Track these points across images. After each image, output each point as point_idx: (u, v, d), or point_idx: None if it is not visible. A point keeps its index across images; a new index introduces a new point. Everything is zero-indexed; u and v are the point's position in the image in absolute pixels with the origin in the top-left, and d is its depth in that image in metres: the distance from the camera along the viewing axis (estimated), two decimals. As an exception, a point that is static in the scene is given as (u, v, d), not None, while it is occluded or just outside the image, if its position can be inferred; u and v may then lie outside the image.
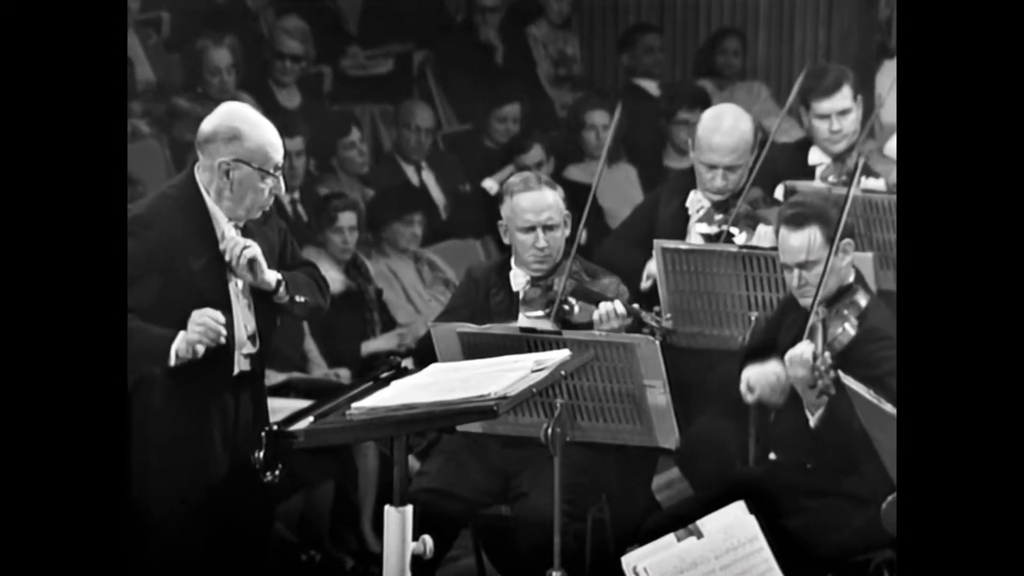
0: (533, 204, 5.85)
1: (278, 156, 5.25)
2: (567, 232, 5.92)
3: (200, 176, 5.25)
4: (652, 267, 6.21)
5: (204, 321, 5.08)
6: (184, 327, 5.11)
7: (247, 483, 4.90)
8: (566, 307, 5.79)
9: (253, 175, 5.21)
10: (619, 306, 5.71)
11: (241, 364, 5.30)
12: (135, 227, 5.13)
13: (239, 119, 5.24)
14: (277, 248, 5.42)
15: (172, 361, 5.09)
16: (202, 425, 5.23)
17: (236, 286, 5.25)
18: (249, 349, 5.32)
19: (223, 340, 5.11)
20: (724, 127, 6.34)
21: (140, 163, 8.00)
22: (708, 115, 6.44)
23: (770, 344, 5.67)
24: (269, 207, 5.33)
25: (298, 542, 6.78)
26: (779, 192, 6.45)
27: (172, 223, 5.18)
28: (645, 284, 6.27)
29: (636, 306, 5.78)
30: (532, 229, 5.85)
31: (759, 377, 5.55)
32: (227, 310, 5.19)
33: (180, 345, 5.09)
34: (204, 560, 5.24)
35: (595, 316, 5.73)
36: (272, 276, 5.26)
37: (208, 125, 5.24)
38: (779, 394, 5.52)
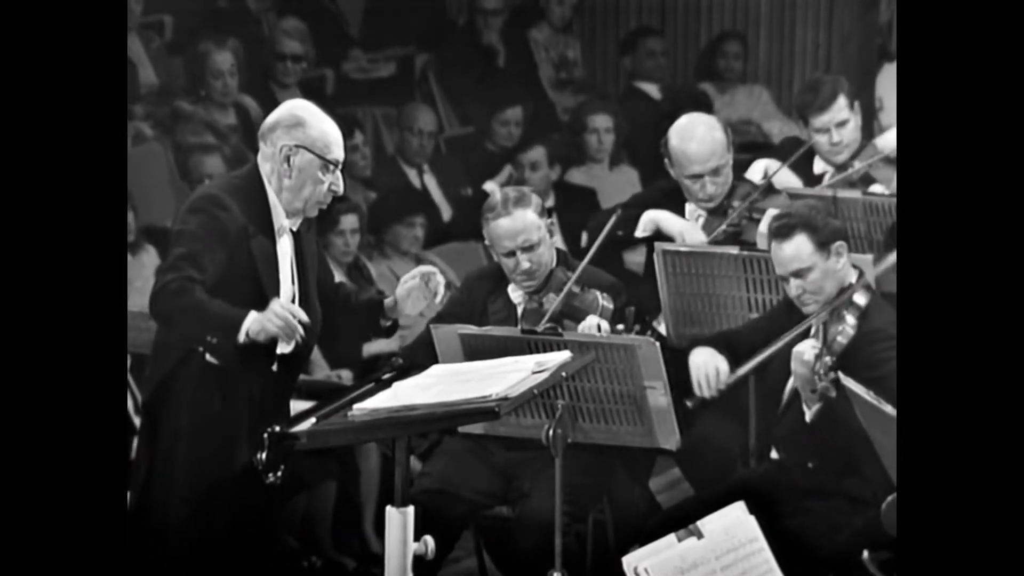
0: (507, 230, 5.80)
1: (339, 150, 5.27)
2: (553, 238, 5.91)
3: (262, 167, 5.29)
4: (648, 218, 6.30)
5: (285, 317, 5.05)
6: (243, 308, 5.11)
7: (255, 484, 4.90)
8: (560, 329, 5.78)
9: (314, 163, 5.23)
10: (604, 323, 5.70)
11: (279, 362, 5.32)
12: (204, 204, 5.18)
13: (301, 109, 5.31)
14: (316, 261, 5.46)
15: (242, 338, 5.06)
16: (231, 422, 5.23)
17: (288, 282, 5.27)
18: (284, 349, 5.33)
19: (299, 339, 5.10)
20: (697, 135, 6.31)
21: (143, 166, 8.02)
22: (677, 127, 6.38)
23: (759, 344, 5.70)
24: (325, 205, 5.33)
25: (299, 547, 6.79)
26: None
27: (240, 207, 5.20)
28: (641, 232, 6.33)
29: (621, 327, 5.77)
30: (512, 254, 5.83)
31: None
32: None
33: (253, 326, 5.05)
34: (206, 561, 5.26)
35: (579, 329, 5.72)
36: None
37: (271, 117, 5.31)
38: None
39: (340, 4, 10.12)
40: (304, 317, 5.10)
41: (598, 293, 5.82)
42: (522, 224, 5.79)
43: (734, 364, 5.66)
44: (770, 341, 5.63)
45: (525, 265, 5.80)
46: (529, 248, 5.80)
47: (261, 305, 5.14)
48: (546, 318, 5.75)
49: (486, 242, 5.94)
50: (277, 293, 5.23)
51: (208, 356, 5.21)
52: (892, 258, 5.98)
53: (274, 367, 5.29)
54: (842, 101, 6.65)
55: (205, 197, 5.25)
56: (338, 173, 5.28)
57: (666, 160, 6.43)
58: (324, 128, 5.27)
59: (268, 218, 5.25)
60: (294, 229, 5.32)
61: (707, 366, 5.66)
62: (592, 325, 5.67)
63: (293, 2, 9.71)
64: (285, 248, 5.30)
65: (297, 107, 5.33)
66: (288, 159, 5.22)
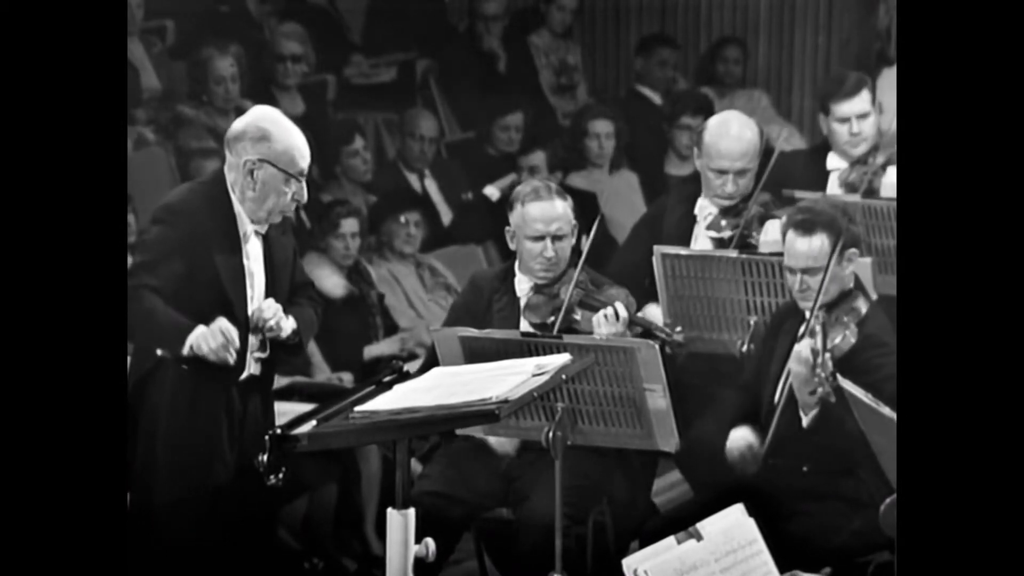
0: (543, 214, 5.86)
1: (304, 162, 5.30)
2: (574, 241, 5.95)
3: (228, 175, 5.30)
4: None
5: (219, 338, 5.14)
6: (203, 318, 5.17)
7: (252, 486, 4.92)
8: (575, 316, 5.81)
9: (277, 177, 5.25)
10: (620, 308, 5.72)
11: (251, 367, 5.35)
12: (164, 215, 5.24)
13: (269, 121, 5.31)
14: (290, 263, 5.48)
15: (185, 350, 5.15)
16: (209, 427, 5.26)
17: (254, 288, 5.29)
18: (260, 354, 5.37)
19: (230, 361, 5.17)
20: (732, 132, 6.33)
21: (145, 170, 8.04)
22: (714, 121, 6.42)
23: (767, 359, 5.72)
24: (290, 213, 5.36)
25: (301, 548, 6.81)
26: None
27: (199, 216, 5.24)
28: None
29: (642, 315, 5.80)
30: (541, 238, 5.85)
31: (732, 443, 5.62)
32: (243, 309, 5.25)
33: (195, 340, 5.15)
34: (207, 562, 5.27)
35: (594, 320, 5.75)
36: (289, 327, 5.33)
37: (239, 124, 5.32)
38: (750, 464, 5.60)
39: (341, 9, 10.14)
40: (235, 339, 5.17)
41: (624, 291, 5.87)
42: (557, 212, 5.85)
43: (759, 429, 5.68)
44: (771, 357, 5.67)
45: (550, 253, 5.83)
46: (559, 238, 5.85)
47: (227, 313, 5.18)
48: (565, 306, 5.77)
49: (508, 228, 5.94)
50: (243, 298, 5.26)
51: (184, 365, 5.24)
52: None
53: (250, 371, 5.33)
54: (866, 94, 6.69)
55: (164, 207, 5.31)
56: (303, 183, 5.30)
57: (695, 149, 6.44)
58: (289, 141, 5.28)
59: (233, 223, 5.28)
60: (261, 232, 5.33)
61: (742, 443, 5.67)
62: (609, 313, 5.69)
63: (295, 7, 9.74)
64: (254, 251, 5.32)
65: (264, 119, 5.32)
66: (252, 172, 5.24)
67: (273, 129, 5.27)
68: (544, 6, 10.28)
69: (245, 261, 5.29)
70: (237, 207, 5.29)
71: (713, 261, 6.06)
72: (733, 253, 6.07)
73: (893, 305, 5.57)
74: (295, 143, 5.29)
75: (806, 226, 5.55)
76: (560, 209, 5.86)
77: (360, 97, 9.78)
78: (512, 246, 5.97)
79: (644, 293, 6.28)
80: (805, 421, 5.41)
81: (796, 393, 5.40)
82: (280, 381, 6.68)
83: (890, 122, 6.67)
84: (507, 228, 5.94)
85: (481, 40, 10.09)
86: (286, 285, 5.45)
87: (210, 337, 5.14)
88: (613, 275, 6.10)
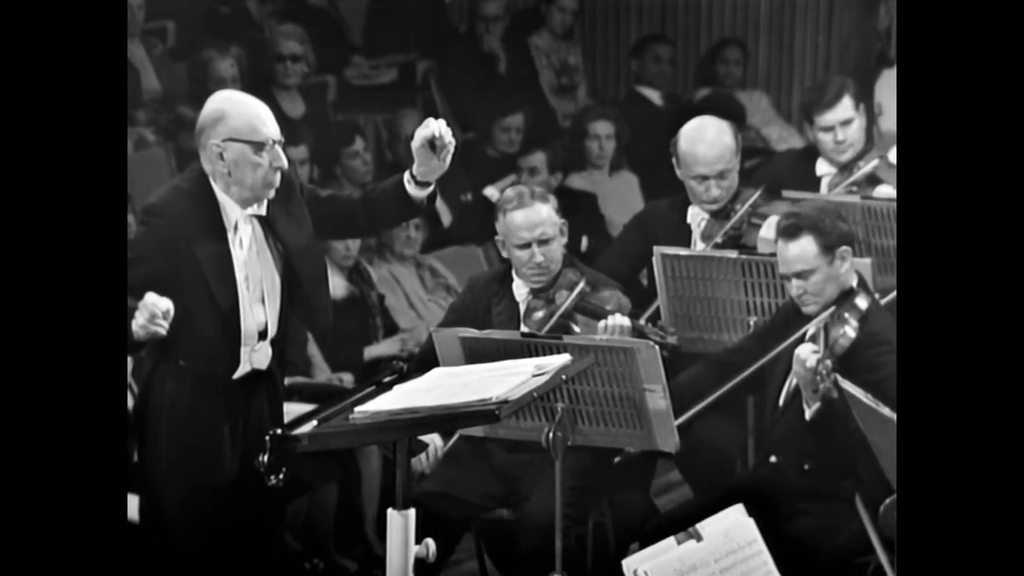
0: (526, 221, 5.87)
1: (269, 129, 5.20)
2: (564, 240, 5.95)
3: (205, 168, 5.26)
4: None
5: (144, 313, 4.95)
6: (188, 313, 5.09)
7: (253, 486, 4.91)
8: (574, 326, 5.82)
9: (245, 150, 5.19)
10: (626, 321, 5.73)
11: (255, 362, 5.33)
12: (147, 216, 5.20)
13: (222, 101, 5.24)
14: (310, 243, 5.40)
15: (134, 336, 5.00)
16: (208, 426, 5.25)
17: (245, 276, 5.26)
18: (258, 345, 5.33)
19: (161, 333, 4.97)
20: (707, 138, 6.29)
21: (145, 171, 8.05)
22: (687, 129, 6.36)
23: (770, 361, 5.73)
24: (276, 184, 5.25)
25: (301, 549, 6.81)
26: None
27: (183, 213, 5.21)
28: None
29: (639, 320, 5.80)
30: (527, 245, 5.87)
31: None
32: (234, 302, 5.21)
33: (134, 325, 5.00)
34: (208, 562, 5.27)
35: (599, 328, 5.75)
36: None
37: (199, 122, 5.27)
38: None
39: (341, 9, 10.15)
40: (163, 305, 4.97)
41: (617, 292, 5.87)
42: (540, 217, 5.86)
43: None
44: (766, 352, 5.67)
45: (539, 259, 5.85)
46: (545, 242, 5.86)
47: (211, 306, 5.14)
48: (557, 314, 5.79)
49: (498, 237, 5.96)
50: (231, 290, 5.22)
51: (181, 360, 5.22)
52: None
53: (252, 367, 5.30)
54: (847, 100, 6.69)
55: (145, 208, 5.27)
56: (276, 149, 5.21)
57: (673, 159, 6.43)
58: (247, 113, 5.20)
59: (218, 216, 5.23)
60: (260, 214, 5.29)
61: None
62: (614, 325, 5.70)
63: (295, 7, 9.74)
64: (247, 238, 5.28)
65: (217, 102, 5.25)
66: (221, 156, 5.20)
67: (227, 107, 5.22)
68: (544, 7, 10.29)
69: (234, 251, 5.24)
70: (221, 197, 5.25)
71: (713, 262, 6.07)
72: (733, 254, 6.08)
73: (893, 305, 5.60)
74: (253, 113, 5.21)
75: (791, 231, 5.58)
76: (544, 213, 5.86)
77: (360, 98, 9.78)
78: (504, 254, 5.99)
79: (638, 291, 6.29)
80: (808, 414, 5.42)
81: (802, 390, 5.42)
82: (280, 382, 6.68)
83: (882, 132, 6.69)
84: (496, 238, 5.96)
85: (481, 41, 10.09)
86: (307, 265, 5.39)
87: (137, 315, 4.97)
88: (603, 271, 6.10)
